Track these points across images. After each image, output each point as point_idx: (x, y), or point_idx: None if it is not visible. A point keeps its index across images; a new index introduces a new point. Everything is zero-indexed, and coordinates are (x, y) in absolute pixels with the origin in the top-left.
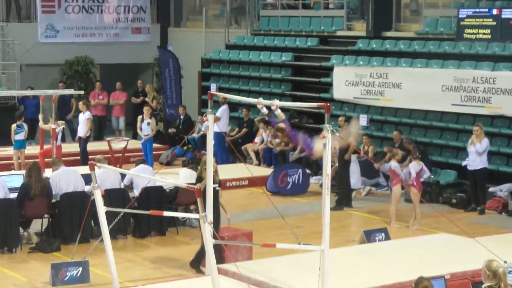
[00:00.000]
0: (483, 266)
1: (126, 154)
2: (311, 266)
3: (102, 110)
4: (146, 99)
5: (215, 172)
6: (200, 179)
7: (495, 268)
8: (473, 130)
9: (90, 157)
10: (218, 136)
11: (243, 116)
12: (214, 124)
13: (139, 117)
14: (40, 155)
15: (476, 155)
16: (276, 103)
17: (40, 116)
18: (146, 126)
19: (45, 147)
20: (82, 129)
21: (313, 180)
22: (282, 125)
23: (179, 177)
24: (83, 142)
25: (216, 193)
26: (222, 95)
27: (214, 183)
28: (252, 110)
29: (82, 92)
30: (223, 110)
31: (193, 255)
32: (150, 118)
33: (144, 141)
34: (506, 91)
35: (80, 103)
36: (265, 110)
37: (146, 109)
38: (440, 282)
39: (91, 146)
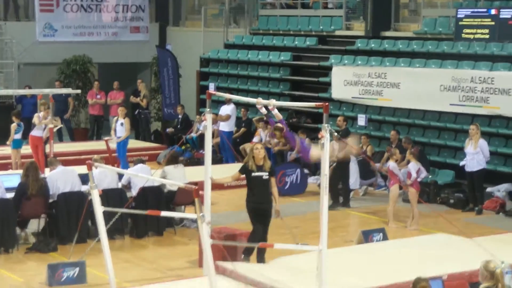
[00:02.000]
0: (481, 266)
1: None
2: (309, 266)
3: (100, 110)
4: (138, 99)
5: (265, 159)
6: (244, 167)
7: (492, 268)
8: (469, 129)
9: (88, 156)
10: (229, 136)
11: (242, 116)
12: (224, 123)
13: (114, 118)
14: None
15: (481, 156)
16: (273, 102)
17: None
18: (120, 127)
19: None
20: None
21: (311, 180)
22: (280, 125)
23: (165, 174)
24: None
25: (265, 182)
26: (224, 95)
27: (263, 171)
28: (251, 109)
29: (79, 91)
30: (232, 109)
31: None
32: (124, 118)
33: (118, 143)
34: (504, 91)
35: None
36: (264, 110)
37: (120, 110)
38: (438, 282)
39: (89, 145)
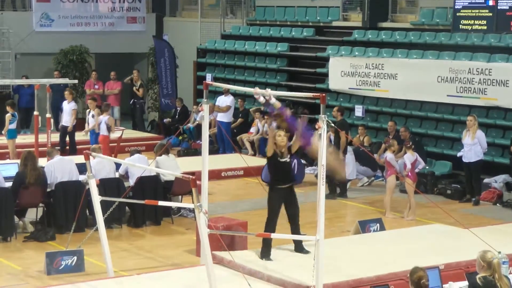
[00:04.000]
0: (478, 257)
1: (121, 144)
2: (305, 256)
3: (98, 100)
4: (134, 88)
5: (285, 147)
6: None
7: (489, 259)
8: (467, 120)
9: (85, 146)
10: (227, 126)
11: (239, 106)
12: (222, 114)
13: (88, 110)
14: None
15: (478, 147)
16: (269, 92)
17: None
18: (92, 119)
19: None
20: (68, 120)
21: (308, 170)
22: (278, 111)
23: (158, 165)
24: (70, 134)
25: (290, 166)
26: (222, 85)
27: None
28: (248, 100)
29: (76, 81)
30: (232, 101)
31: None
32: (95, 110)
33: (90, 134)
34: (502, 82)
35: (66, 92)
36: (262, 99)
37: (90, 102)
38: (435, 272)
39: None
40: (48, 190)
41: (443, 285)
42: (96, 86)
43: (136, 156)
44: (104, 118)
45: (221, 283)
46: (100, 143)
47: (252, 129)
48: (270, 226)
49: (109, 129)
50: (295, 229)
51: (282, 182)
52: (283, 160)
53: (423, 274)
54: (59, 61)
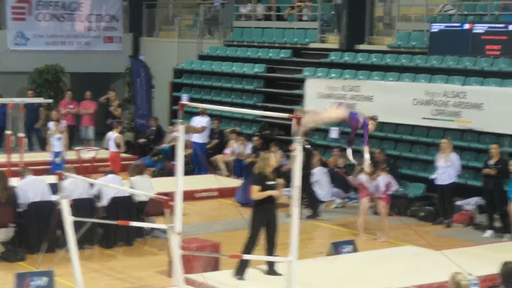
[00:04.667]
0: (449, 278)
1: (94, 164)
2: (279, 277)
3: (72, 120)
4: (111, 108)
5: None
6: (259, 175)
7: (459, 280)
8: (441, 143)
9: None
10: (202, 147)
11: (215, 127)
12: (197, 135)
13: (49, 132)
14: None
15: (452, 170)
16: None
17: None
18: (57, 142)
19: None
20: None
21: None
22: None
23: (132, 185)
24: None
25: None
26: (196, 105)
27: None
28: (223, 121)
29: (51, 100)
30: (207, 121)
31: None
32: (62, 133)
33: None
34: (476, 105)
35: (54, 112)
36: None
37: (55, 124)
38: None
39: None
40: (20, 210)
41: None
42: (71, 106)
43: (111, 176)
44: (113, 135)
45: None
46: (110, 159)
47: (227, 150)
48: (250, 246)
49: (118, 145)
50: (270, 250)
51: (268, 203)
52: (270, 183)
53: None
54: (34, 80)
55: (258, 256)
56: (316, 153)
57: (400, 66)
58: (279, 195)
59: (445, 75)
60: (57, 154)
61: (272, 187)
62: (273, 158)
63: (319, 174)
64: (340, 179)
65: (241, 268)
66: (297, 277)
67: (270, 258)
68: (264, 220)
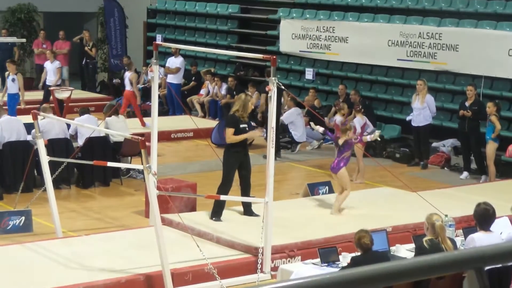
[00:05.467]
0: (425, 219)
1: (69, 104)
2: (255, 218)
3: (45, 60)
4: (86, 48)
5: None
6: (233, 117)
7: (433, 221)
8: (416, 84)
9: (33, 106)
10: (177, 88)
11: (191, 69)
12: (172, 75)
13: (6, 73)
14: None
15: (427, 111)
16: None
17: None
18: (12, 83)
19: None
20: (52, 78)
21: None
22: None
23: (107, 125)
24: (48, 91)
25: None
26: (170, 45)
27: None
28: (199, 62)
29: (24, 40)
30: (181, 62)
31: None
32: (16, 74)
33: (10, 98)
34: (452, 46)
35: (48, 52)
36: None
37: (9, 65)
38: (382, 234)
39: (33, 95)
40: None
41: (391, 247)
42: (44, 46)
43: (86, 116)
44: (128, 74)
45: (170, 244)
46: (125, 97)
47: (202, 91)
48: (225, 188)
49: (131, 84)
50: (245, 191)
51: (240, 146)
52: (243, 126)
53: (364, 234)
54: (7, 19)
55: (234, 197)
56: (288, 92)
57: (375, 7)
58: (253, 137)
59: (421, 16)
60: (11, 95)
61: (245, 130)
62: (251, 102)
63: (294, 115)
64: (317, 121)
65: (217, 210)
66: (273, 218)
67: (247, 199)
68: (237, 161)
